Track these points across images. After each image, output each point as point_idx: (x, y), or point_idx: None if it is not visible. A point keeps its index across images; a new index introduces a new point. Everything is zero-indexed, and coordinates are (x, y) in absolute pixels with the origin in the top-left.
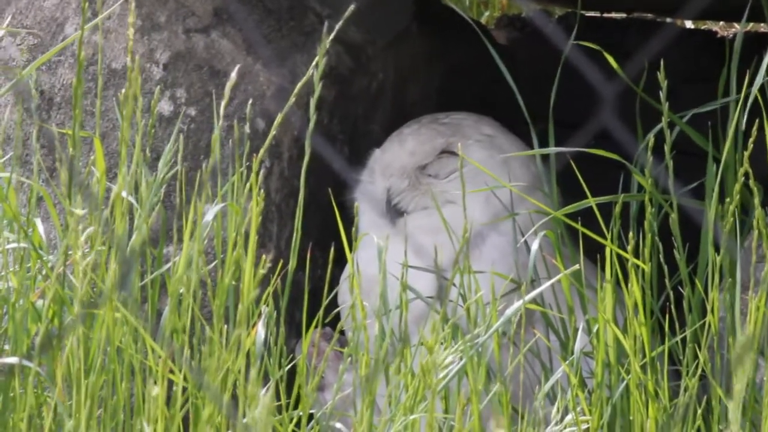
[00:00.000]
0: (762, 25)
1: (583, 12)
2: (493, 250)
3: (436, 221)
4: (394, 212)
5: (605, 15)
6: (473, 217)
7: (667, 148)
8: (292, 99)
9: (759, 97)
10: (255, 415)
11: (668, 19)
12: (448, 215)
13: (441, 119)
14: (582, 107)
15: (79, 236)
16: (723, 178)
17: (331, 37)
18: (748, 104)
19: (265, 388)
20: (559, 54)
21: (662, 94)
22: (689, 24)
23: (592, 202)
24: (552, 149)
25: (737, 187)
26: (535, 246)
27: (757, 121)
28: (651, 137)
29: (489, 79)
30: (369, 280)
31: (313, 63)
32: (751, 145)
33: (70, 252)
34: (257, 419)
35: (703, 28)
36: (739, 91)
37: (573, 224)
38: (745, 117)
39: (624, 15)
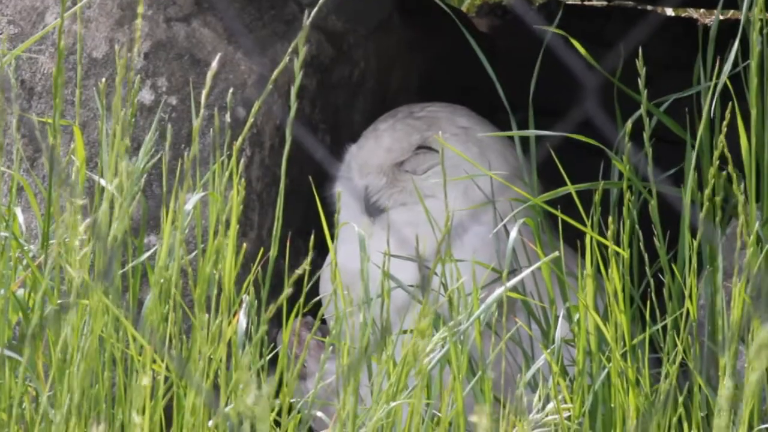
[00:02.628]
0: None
1: (564, 0)
2: (474, 239)
3: (415, 215)
4: (374, 209)
5: (586, 3)
6: (452, 209)
7: (646, 136)
8: (270, 86)
9: (729, 84)
10: (251, 406)
11: (649, 7)
12: (428, 209)
13: (416, 113)
14: (564, 95)
15: (77, 226)
16: (702, 166)
17: (308, 22)
18: (718, 89)
19: (250, 375)
20: (541, 42)
21: (641, 82)
22: (669, 12)
23: (571, 188)
24: (530, 131)
25: (712, 171)
26: (513, 234)
27: (729, 105)
28: (629, 124)
29: (471, 67)
30: (350, 274)
31: (290, 50)
32: (724, 129)
33: (51, 242)
34: (254, 412)
35: (683, 15)
36: (717, 78)
37: (553, 211)
38: (715, 102)
39: (605, 3)
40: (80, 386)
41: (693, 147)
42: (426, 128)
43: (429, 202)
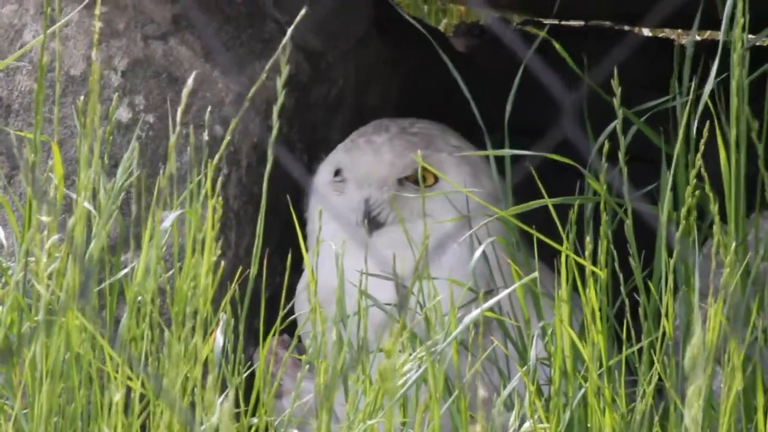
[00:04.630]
0: (719, 32)
1: (541, 20)
2: (451, 257)
3: (414, 234)
4: (374, 223)
5: (563, 23)
6: (445, 228)
7: (621, 154)
8: (247, 104)
9: (710, 104)
10: (214, 421)
11: (626, 27)
12: (421, 228)
13: (408, 128)
14: (542, 115)
15: (43, 243)
16: (678, 184)
17: (285, 41)
18: (699, 109)
19: (224, 395)
20: (518, 61)
21: (616, 101)
22: (647, 32)
23: (545, 203)
24: (506, 151)
25: (689, 189)
26: (478, 253)
27: (707, 124)
28: (605, 140)
29: (449, 86)
30: (330, 291)
31: (267, 68)
32: (701, 147)
33: (30, 258)
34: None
35: (661, 36)
36: (695, 98)
37: (528, 230)
38: (692, 121)
39: (582, 23)
40: (55, 404)
41: (669, 165)
42: (425, 146)
43: (429, 221)
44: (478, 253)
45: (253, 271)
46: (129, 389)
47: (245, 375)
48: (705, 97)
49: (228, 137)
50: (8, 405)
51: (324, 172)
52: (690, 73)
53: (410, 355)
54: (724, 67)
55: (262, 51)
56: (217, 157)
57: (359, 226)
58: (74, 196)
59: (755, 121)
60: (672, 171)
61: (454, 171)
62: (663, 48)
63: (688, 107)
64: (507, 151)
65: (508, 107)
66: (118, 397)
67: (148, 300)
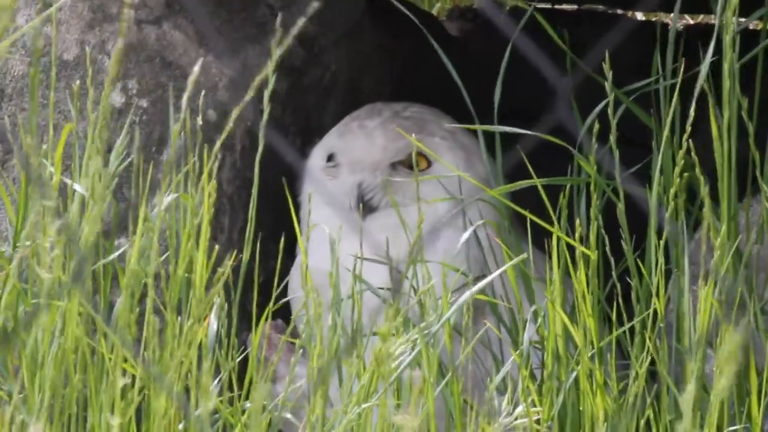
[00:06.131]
0: (712, 16)
1: (534, 4)
2: (445, 242)
3: (407, 218)
4: (366, 207)
5: (556, 6)
6: (439, 213)
7: (612, 135)
8: (241, 88)
9: (706, 87)
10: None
11: (620, 11)
12: (414, 212)
13: (401, 112)
14: (536, 99)
15: (49, 228)
16: (667, 166)
17: (278, 25)
18: (696, 93)
19: (217, 379)
20: (513, 45)
21: (608, 85)
22: (641, 16)
23: (536, 182)
24: (498, 128)
25: (677, 170)
26: (466, 234)
27: (693, 105)
28: (594, 120)
29: (443, 71)
30: (324, 276)
31: (266, 54)
32: (689, 129)
33: (26, 243)
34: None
35: (654, 20)
36: (689, 81)
37: (521, 211)
38: (678, 103)
39: (575, 7)
40: (51, 388)
41: (659, 147)
42: (418, 130)
43: (421, 206)
44: (465, 236)
45: (245, 255)
46: (124, 372)
47: (239, 359)
48: (701, 80)
49: (230, 124)
50: (4, 390)
51: (317, 157)
52: (678, 55)
53: (404, 338)
54: (716, 50)
55: (255, 36)
56: (218, 143)
57: (352, 210)
58: (69, 181)
59: (744, 99)
60: (661, 151)
61: (447, 155)
62: (656, 32)
63: (682, 90)
64: (499, 128)
65: (497, 89)
66: (123, 382)
67: (150, 284)
